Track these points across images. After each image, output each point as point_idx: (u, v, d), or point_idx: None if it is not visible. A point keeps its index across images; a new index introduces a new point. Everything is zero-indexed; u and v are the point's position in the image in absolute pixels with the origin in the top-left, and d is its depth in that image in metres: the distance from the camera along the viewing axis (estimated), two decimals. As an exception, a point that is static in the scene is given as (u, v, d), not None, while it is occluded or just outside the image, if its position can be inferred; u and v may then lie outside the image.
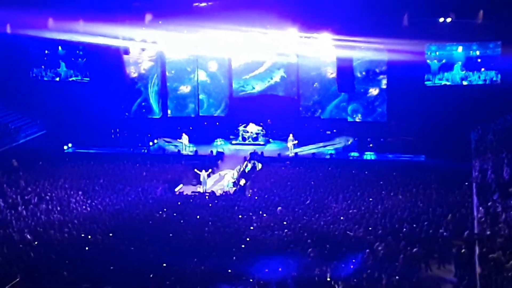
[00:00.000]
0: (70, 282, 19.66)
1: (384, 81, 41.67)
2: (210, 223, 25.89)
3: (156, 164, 37.25)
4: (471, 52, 40.85)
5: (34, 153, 38.77)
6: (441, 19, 38.86)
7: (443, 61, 41.23)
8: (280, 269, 20.16)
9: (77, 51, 46.47)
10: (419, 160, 36.89)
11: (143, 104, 45.44)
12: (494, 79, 40.28)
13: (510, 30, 36.91)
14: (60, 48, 46.59)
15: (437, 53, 41.33)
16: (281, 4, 39.24)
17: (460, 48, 40.81)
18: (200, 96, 45.84)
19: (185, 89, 45.73)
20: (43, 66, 47.44)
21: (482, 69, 40.39)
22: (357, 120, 42.67)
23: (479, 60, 40.83)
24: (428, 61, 41.23)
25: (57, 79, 47.22)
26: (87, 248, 22.82)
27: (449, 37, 39.84)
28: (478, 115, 37.35)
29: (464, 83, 40.86)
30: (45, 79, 47.50)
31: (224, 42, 42.75)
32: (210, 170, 35.96)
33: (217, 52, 44.20)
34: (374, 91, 42.06)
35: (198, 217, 26.90)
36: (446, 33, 39.14)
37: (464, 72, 40.89)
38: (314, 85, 43.61)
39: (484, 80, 40.61)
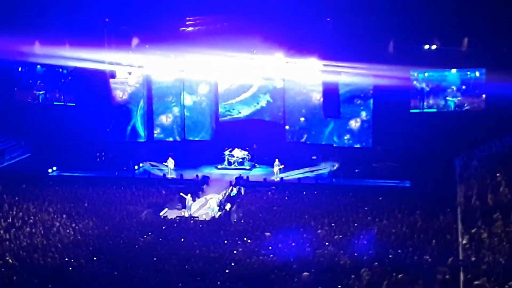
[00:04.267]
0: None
1: (370, 107, 41.82)
2: (195, 247, 25.83)
3: (141, 188, 37.08)
4: (456, 78, 41.28)
5: (18, 176, 38.41)
6: (426, 46, 39.20)
7: (430, 86, 41.69)
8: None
9: (63, 74, 46.52)
10: (404, 186, 36.97)
11: (129, 127, 45.32)
12: (480, 106, 40.64)
13: (495, 57, 37.31)
14: (45, 71, 46.66)
15: (425, 74, 41.76)
16: (268, 29, 39.46)
17: (453, 70, 41.20)
18: (186, 120, 45.77)
19: (171, 113, 45.68)
20: (20, 88, 47.48)
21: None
22: (343, 145, 42.70)
23: (463, 87, 41.32)
24: (414, 86, 41.60)
25: (37, 101, 47.31)
26: (70, 272, 22.65)
27: (434, 64, 40.18)
28: (463, 141, 37.57)
29: (458, 109, 41.17)
30: (30, 101, 47.45)
31: (210, 67, 42.86)
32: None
33: (204, 76, 44.35)
34: (359, 117, 42.18)
35: (182, 239, 26.85)
36: (431, 60, 39.45)
37: (449, 98, 41.27)
38: (300, 110, 43.66)
39: (469, 107, 40.97)
